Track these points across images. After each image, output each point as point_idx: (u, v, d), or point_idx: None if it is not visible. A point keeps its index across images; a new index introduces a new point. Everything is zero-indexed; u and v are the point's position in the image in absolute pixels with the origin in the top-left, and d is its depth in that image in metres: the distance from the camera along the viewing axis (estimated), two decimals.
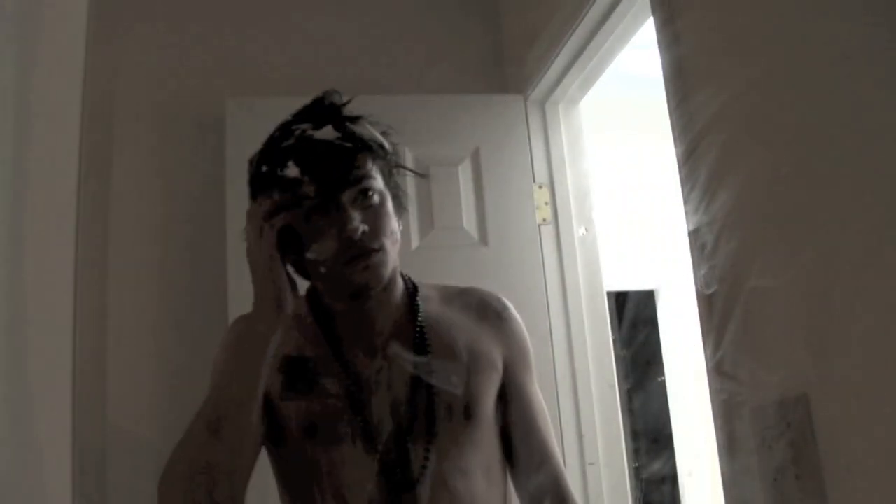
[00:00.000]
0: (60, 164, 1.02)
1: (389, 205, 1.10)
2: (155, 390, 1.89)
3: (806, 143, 1.07)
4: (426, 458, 1.08)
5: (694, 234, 1.27)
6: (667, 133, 1.36)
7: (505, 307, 1.24)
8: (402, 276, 1.19)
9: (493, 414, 1.16)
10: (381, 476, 1.07)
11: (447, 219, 2.04)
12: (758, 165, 1.16)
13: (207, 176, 1.99)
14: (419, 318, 1.15)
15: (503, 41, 2.36)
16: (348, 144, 1.05)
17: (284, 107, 1.10)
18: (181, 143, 2.10)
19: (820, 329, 1.04)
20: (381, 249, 1.06)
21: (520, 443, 1.18)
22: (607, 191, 2.80)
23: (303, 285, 1.16)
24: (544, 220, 2.09)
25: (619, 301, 3.68)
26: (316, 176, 1.03)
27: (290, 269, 1.06)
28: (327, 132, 1.05)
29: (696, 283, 1.28)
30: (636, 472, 3.54)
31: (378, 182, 1.08)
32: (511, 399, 1.18)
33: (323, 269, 1.06)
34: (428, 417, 1.09)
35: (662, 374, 3.59)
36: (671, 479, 3.53)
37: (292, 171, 1.03)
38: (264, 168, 1.06)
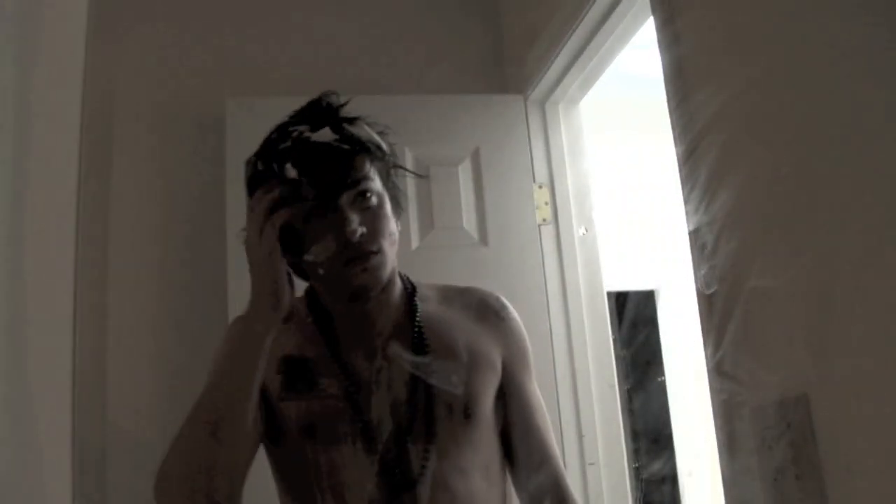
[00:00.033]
0: (60, 164, 1.02)
1: (387, 206, 1.10)
2: (155, 390, 1.89)
3: (806, 143, 1.07)
4: (425, 458, 1.08)
5: (694, 234, 1.27)
6: (667, 133, 1.36)
7: (504, 307, 1.24)
8: (401, 276, 1.19)
9: (492, 413, 1.16)
10: (381, 476, 1.07)
11: (447, 219, 2.04)
12: (758, 165, 1.16)
13: (207, 176, 1.99)
14: (417, 318, 1.15)
15: (503, 41, 2.36)
16: (346, 147, 1.05)
17: (284, 107, 1.10)
18: (181, 143, 2.10)
19: (820, 329, 1.04)
20: (380, 251, 1.06)
21: (519, 442, 1.18)
22: (607, 191, 2.80)
23: (300, 285, 1.16)
24: (544, 220, 2.09)
25: (619, 301, 3.68)
26: (314, 178, 1.03)
27: (289, 269, 1.06)
28: (325, 134, 1.05)
29: (696, 283, 1.28)
30: (636, 472, 3.54)
31: (376, 184, 1.08)
32: (510, 399, 1.18)
33: (321, 271, 1.06)
34: (427, 417, 1.10)
35: (662, 374, 3.59)
36: (671, 479, 3.53)
37: (290, 172, 1.03)
38: (261, 167, 1.06)
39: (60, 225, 1.02)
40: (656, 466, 3.59)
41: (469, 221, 2.05)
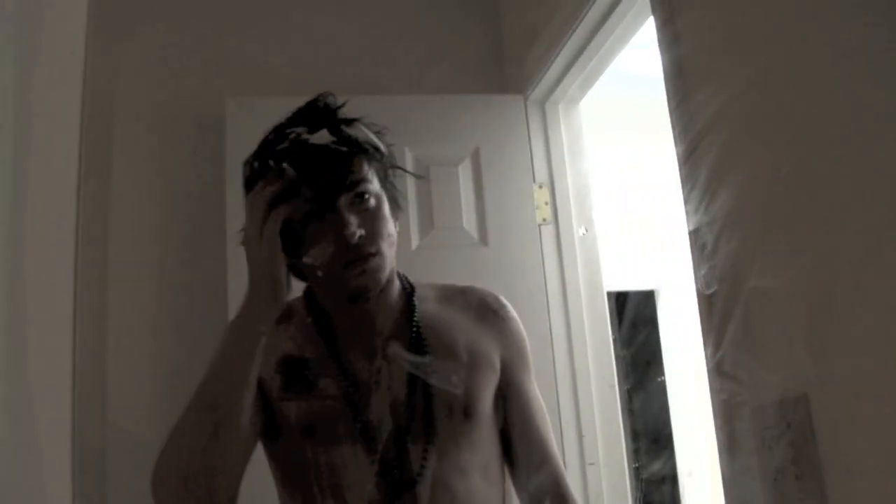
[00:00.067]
0: (60, 164, 1.02)
1: (386, 208, 1.09)
2: (155, 390, 1.88)
3: (806, 143, 1.07)
4: (425, 458, 1.08)
5: (694, 234, 1.27)
6: (667, 133, 1.36)
7: (502, 306, 1.24)
8: (399, 276, 1.19)
9: (491, 413, 1.16)
10: (381, 476, 1.07)
11: (447, 219, 2.04)
12: (758, 165, 1.16)
13: (207, 176, 1.99)
14: (415, 318, 1.15)
15: (503, 41, 2.36)
16: (343, 149, 1.05)
17: (284, 107, 1.10)
18: (181, 143, 2.10)
19: (820, 329, 1.04)
20: (378, 253, 1.06)
21: (519, 442, 1.18)
22: (607, 191, 2.80)
23: (298, 286, 1.16)
24: (544, 219, 2.09)
25: (619, 301, 3.68)
26: (311, 181, 1.03)
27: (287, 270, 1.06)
28: (322, 136, 1.05)
29: (696, 283, 1.28)
30: (636, 472, 3.54)
31: (374, 185, 1.08)
32: (509, 398, 1.18)
33: (320, 274, 1.06)
34: (427, 417, 1.10)
35: (662, 374, 3.59)
36: (671, 479, 3.53)
37: (289, 172, 1.03)
38: (258, 167, 1.06)
39: (60, 225, 1.02)
40: (656, 466, 3.59)
41: (469, 221, 2.05)
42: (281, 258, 1.00)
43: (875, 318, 0.95)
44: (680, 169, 1.32)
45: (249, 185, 1.08)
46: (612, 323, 2.21)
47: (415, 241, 2.00)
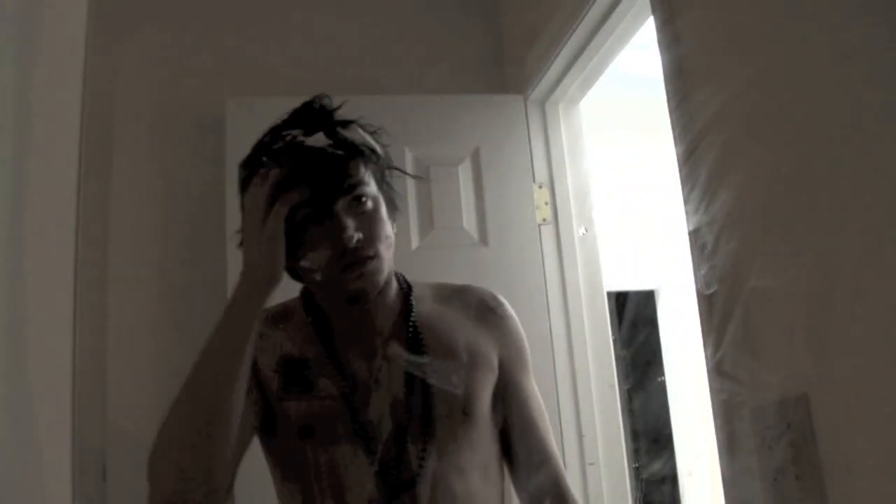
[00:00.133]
0: (60, 164, 1.02)
1: (383, 210, 1.09)
2: (155, 390, 1.88)
3: (806, 143, 1.07)
4: (425, 458, 1.08)
5: (694, 234, 1.27)
6: (667, 133, 1.36)
7: (500, 305, 1.24)
8: (397, 275, 1.19)
9: (490, 413, 1.16)
10: (380, 476, 1.07)
11: (447, 219, 2.04)
12: (758, 165, 1.16)
13: (207, 176, 1.99)
14: (412, 318, 1.15)
15: (503, 41, 2.36)
16: (339, 152, 1.05)
17: (284, 107, 1.10)
18: (181, 143, 2.10)
19: (820, 329, 1.04)
20: (377, 256, 1.06)
21: (518, 442, 1.18)
22: (607, 191, 2.80)
23: (295, 287, 1.16)
24: (544, 220, 2.09)
25: (619, 301, 3.68)
26: (308, 183, 1.03)
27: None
28: (318, 138, 1.05)
29: (696, 283, 1.28)
30: (636, 472, 3.54)
31: (371, 188, 1.08)
32: (508, 398, 1.18)
33: (318, 277, 1.06)
34: (426, 417, 1.10)
35: (662, 374, 3.59)
36: (671, 479, 3.53)
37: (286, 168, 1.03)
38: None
39: (60, 225, 1.01)
40: (656, 466, 3.59)
41: (469, 221, 2.05)
42: (282, 244, 1.01)
43: (875, 318, 0.95)
44: (680, 169, 1.32)
45: (245, 186, 1.08)
46: (612, 323, 2.21)
47: (415, 242, 2.00)
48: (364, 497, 1.06)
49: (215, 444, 0.96)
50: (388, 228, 1.09)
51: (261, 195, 1.02)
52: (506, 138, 2.12)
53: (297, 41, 2.23)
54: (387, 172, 1.14)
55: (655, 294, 3.67)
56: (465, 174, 2.08)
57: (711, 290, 1.24)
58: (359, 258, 1.05)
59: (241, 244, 1.05)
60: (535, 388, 1.23)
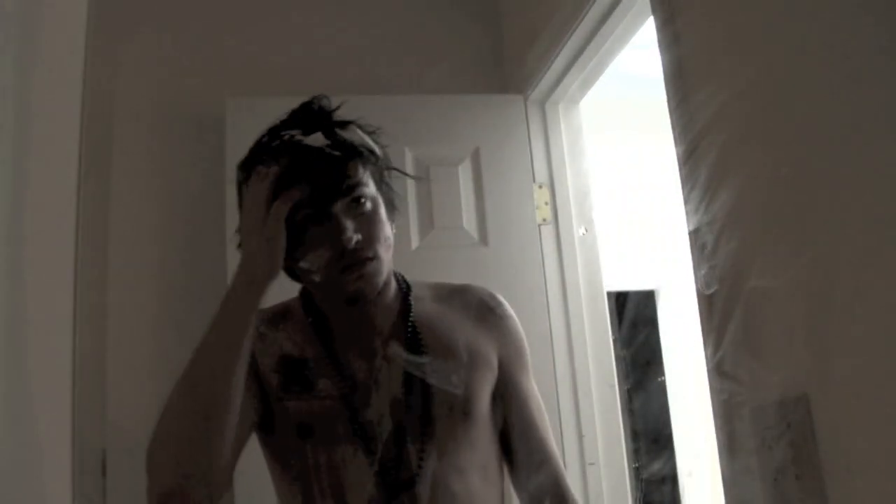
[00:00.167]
0: (60, 164, 1.02)
1: (382, 211, 1.09)
2: (155, 390, 1.87)
3: (806, 143, 1.07)
4: (424, 458, 1.08)
5: (694, 234, 1.27)
6: (667, 133, 1.36)
7: (499, 304, 1.24)
8: (396, 275, 1.19)
9: (489, 412, 1.16)
10: (380, 476, 1.07)
11: (447, 219, 2.04)
12: (758, 165, 1.16)
13: (207, 176, 1.99)
14: (411, 318, 1.15)
15: (503, 41, 2.36)
16: (336, 153, 1.05)
17: (284, 107, 1.10)
18: (181, 143, 2.10)
19: (820, 329, 1.04)
20: (376, 257, 1.06)
21: (518, 442, 1.18)
22: (607, 191, 2.80)
23: (293, 287, 1.16)
24: (544, 220, 2.09)
25: (619, 301, 3.68)
26: (307, 182, 1.03)
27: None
28: (317, 138, 1.05)
29: (696, 283, 1.28)
30: (636, 472, 3.54)
31: (370, 189, 1.08)
32: (508, 397, 1.18)
33: (317, 278, 1.06)
34: (426, 417, 1.10)
35: (662, 374, 3.59)
36: (671, 479, 3.53)
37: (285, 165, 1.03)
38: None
39: (60, 225, 1.01)
40: (656, 466, 3.59)
41: (469, 221, 2.05)
42: (283, 239, 1.01)
43: (875, 318, 0.95)
44: (680, 169, 1.32)
45: (241, 190, 1.08)
46: (612, 323, 2.21)
47: (415, 242, 2.00)
48: (364, 497, 1.06)
49: (214, 435, 0.95)
50: (387, 229, 1.09)
51: (261, 191, 1.02)
52: (506, 138, 2.12)
53: (297, 41, 2.23)
54: (385, 173, 1.14)
55: (655, 294, 3.67)
56: (465, 174, 2.07)
57: (711, 290, 1.24)
58: (358, 259, 1.05)
59: (241, 245, 1.05)
60: (535, 388, 1.23)
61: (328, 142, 1.04)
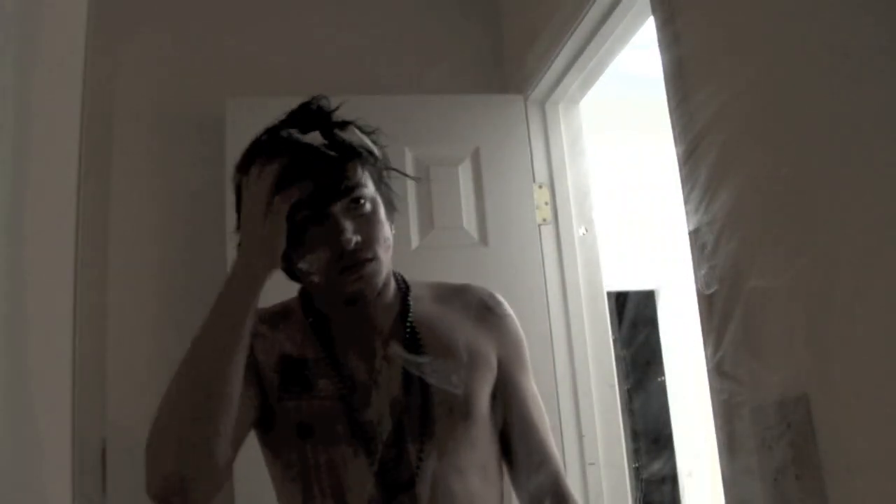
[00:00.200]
0: (60, 164, 1.02)
1: (381, 211, 1.09)
2: (155, 390, 1.88)
3: (806, 143, 1.07)
4: (424, 458, 1.08)
5: (694, 234, 1.27)
6: (667, 133, 1.36)
7: (498, 304, 1.24)
8: (395, 275, 1.19)
9: (488, 412, 1.16)
10: (380, 476, 1.07)
11: (447, 219, 2.04)
12: (758, 165, 1.16)
13: (207, 176, 1.99)
14: (409, 318, 1.15)
15: (503, 41, 2.36)
16: (332, 153, 1.04)
17: (284, 107, 1.10)
18: (181, 143, 2.10)
19: (820, 329, 1.04)
20: (375, 258, 1.06)
21: (518, 441, 1.18)
22: (607, 191, 2.80)
23: (292, 288, 1.16)
24: (544, 220, 2.09)
25: (619, 301, 3.68)
26: (310, 179, 1.03)
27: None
28: (315, 137, 1.05)
29: (696, 283, 1.28)
30: (636, 472, 3.54)
31: (369, 189, 1.08)
32: (507, 397, 1.18)
33: (316, 279, 1.06)
34: (426, 417, 1.10)
35: (662, 374, 3.59)
36: (671, 479, 3.53)
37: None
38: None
39: (60, 225, 1.01)
40: (656, 466, 3.59)
41: (469, 221, 2.05)
42: (284, 233, 1.01)
43: (875, 318, 0.95)
44: (680, 169, 1.32)
45: (240, 186, 1.08)
46: (612, 323, 2.21)
47: (415, 241, 2.00)
48: (364, 497, 1.06)
49: (215, 419, 0.96)
50: (386, 230, 1.09)
51: (263, 186, 1.02)
52: (506, 138, 2.12)
53: (297, 41, 2.23)
54: (385, 173, 1.14)
55: (655, 294, 3.67)
56: (465, 174, 2.07)
57: (711, 290, 1.24)
58: (357, 261, 1.05)
59: (241, 244, 1.05)
60: (534, 388, 1.23)
61: (325, 141, 1.04)
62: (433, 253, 1.99)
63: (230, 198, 1.89)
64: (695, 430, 3.29)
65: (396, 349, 1.12)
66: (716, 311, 1.22)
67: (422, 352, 1.13)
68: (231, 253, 1.84)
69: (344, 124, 1.08)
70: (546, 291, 2.04)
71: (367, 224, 1.06)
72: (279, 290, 1.16)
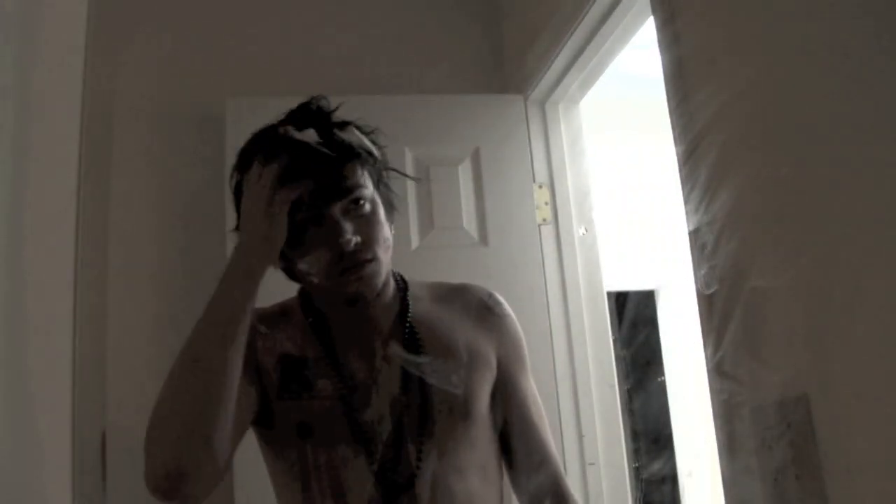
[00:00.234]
0: (60, 164, 1.02)
1: (381, 212, 1.09)
2: (155, 390, 1.88)
3: (806, 143, 1.07)
4: (424, 458, 1.08)
5: (694, 234, 1.27)
6: (667, 133, 1.36)
7: (498, 303, 1.24)
8: (394, 275, 1.19)
9: (488, 412, 1.16)
10: (379, 476, 1.07)
11: (447, 219, 2.04)
12: (758, 165, 1.16)
13: (207, 176, 1.99)
14: (409, 317, 1.15)
15: (503, 41, 2.36)
16: (326, 150, 1.04)
17: (284, 107, 1.10)
18: (181, 144, 2.10)
19: (820, 329, 1.04)
20: (374, 259, 1.06)
21: (518, 441, 1.18)
22: (607, 191, 2.80)
23: (292, 288, 1.16)
24: (544, 220, 2.09)
25: (619, 301, 3.68)
26: (311, 177, 1.03)
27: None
28: (310, 135, 1.05)
29: (696, 283, 1.28)
30: (636, 472, 3.54)
31: (368, 190, 1.08)
32: (507, 397, 1.18)
33: (316, 280, 1.06)
34: (426, 417, 1.10)
35: (662, 374, 3.59)
36: (671, 479, 3.53)
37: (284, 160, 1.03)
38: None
39: (60, 225, 1.02)
40: (656, 466, 3.59)
41: (469, 221, 2.05)
42: (285, 227, 1.01)
43: (875, 318, 0.95)
44: (680, 169, 1.32)
45: (239, 186, 1.08)
46: (612, 323, 2.21)
47: (415, 241, 2.00)
48: (364, 497, 1.06)
49: (214, 406, 0.95)
50: (385, 231, 1.09)
51: (264, 184, 1.02)
52: (506, 138, 2.12)
53: (297, 41, 2.23)
54: (384, 174, 1.14)
55: (655, 294, 3.67)
56: (465, 174, 2.07)
57: (711, 290, 1.23)
58: (357, 262, 1.05)
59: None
60: (534, 388, 1.23)
61: (320, 140, 1.04)
62: (433, 253, 1.99)
63: (230, 197, 1.90)
64: (695, 430, 3.29)
65: (396, 349, 1.12)
66: (716, 311, 1.22)
67: (421, 352, 1.13)
68: (231, 253, 1.84)
69: (343, 124, 1.08)
70: (546, 291, 2.04)
71: (367, 225, 1.06)
72: (279, 290, 1.16)
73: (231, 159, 1.13)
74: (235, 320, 0.99)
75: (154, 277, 2.02)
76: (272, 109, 1.11)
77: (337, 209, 1.05)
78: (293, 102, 1.09)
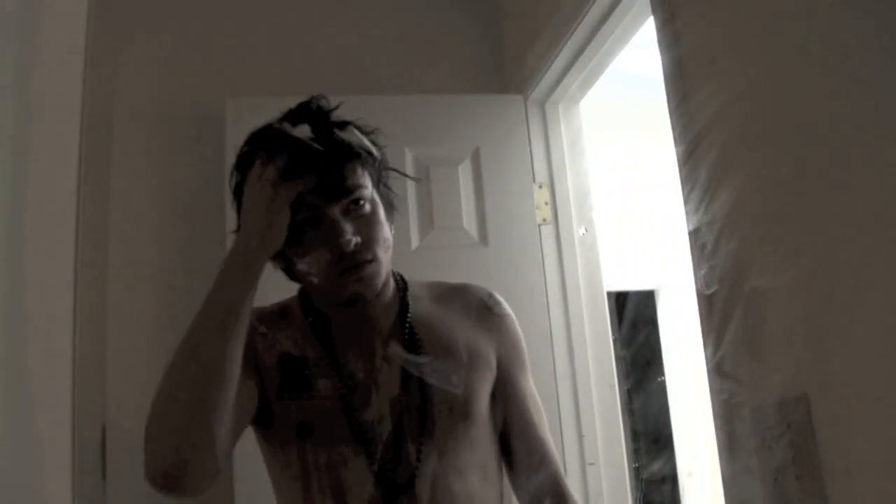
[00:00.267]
0: (60, 164, 1.02)
1: (381, 212, 1.09)
2: (155, 390, 1.88)
3: (806, 143, 1.07)
4: (424, 458, 1.08)
5: (694, 234, 1.27)
6: (667, 133, 1.36)
7: (497, 303, 1.24)
8: (394, 275, 1.19)
9: (488, 412, 1.16)
10: (379, 476, 1.07)
11: (447, 219, 2.04)
12: (758, 165, 1.16)
13: (207, 176, 1.99)
14: (408, 317, 1.15)
15: (503, 41, 2.36)
16: (329, 150, 1.04)
17: (284, 107, 1.10)
18: (181, 144, 2.10)
19: (820, 329, 1.04)
20: (374, 259, 1.06)
21: (518, 441, 1.18)
22: (607, 191, 2.80)
23: (291, 288, 1.16)
24: (544, 220, 2.09)
25: (619, 301, 3.68)
26: (313, 173, 1.03)
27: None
28: (303, 130, 1.05)
29: (696, 283, 1.28)
30: (636, 472, 3.54)
31: (368, 190, 1.08)
32: (507, 397, 1.18)
33: (315, 280, 1.06)
34: (426, 417, 1.10)
35: (662, 374, 3.59)
36: (671, 479, 3.53)
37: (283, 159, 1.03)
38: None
39: (60, 225, 1.02)
40: (656, 466, 3.59)
41: (469, 221, 2.05)
42: (287, 216, 1.01)
43: (875, 318, 0.95)
44: (680, 169, 1.32)
45: (239, 186, 1.08)
46: (612, 323, 2.21)
47: (415, 241, 2.00)
48: (364, 497, 1.06)
49: (214, 396, 0.95)
50: (385, 231, 1.09)
51: (266, 182, 1.02)
52: (506, 138, 2.12)
53: (297, 41, 2.23)
54: (384, 174, 1.14)
55: (655, 294, 3.67)
56: (465, 174, 2.07)
57: (711, 290, 1.23)
58: (357, 262, 1.05)
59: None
60: (533, 388, 1.23)
61: (312, 135, 1.04)
62: (433, 253, 1.99)
63: (230, 198, 1.90)
64: (695, 430, 3.29)
65: (396, 349, 1.12)
66: (716, 311, 1.22)
67: (421, 352, 1.13)
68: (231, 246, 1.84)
69: (343, 124, 1.08)
70: (546, 291, 2.04)
71: (367, 225, 1.06)
72: (279, 290, 1.16)
73: (231, 159, 1.13)
74: (235, 311, 0.98)
75: (154, 277, 2.02)
76: (272, 109, 1.11)
77: (337, 209, 1.05)
78: (293, 102, 1.09)
